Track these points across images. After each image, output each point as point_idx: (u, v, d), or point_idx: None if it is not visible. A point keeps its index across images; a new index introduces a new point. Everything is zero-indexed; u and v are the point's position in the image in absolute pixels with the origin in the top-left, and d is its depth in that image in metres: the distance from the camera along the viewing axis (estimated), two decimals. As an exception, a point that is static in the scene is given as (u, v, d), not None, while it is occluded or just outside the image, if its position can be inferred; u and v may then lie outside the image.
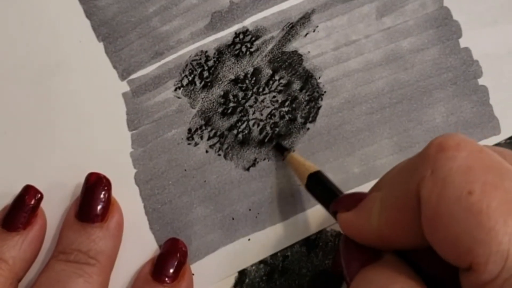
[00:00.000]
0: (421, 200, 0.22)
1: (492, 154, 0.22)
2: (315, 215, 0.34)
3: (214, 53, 0.34)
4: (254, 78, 0.34)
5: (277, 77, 0.34)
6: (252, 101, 0.34)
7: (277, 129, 0.34)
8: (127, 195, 0.33)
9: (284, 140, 0.34)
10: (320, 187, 0.30)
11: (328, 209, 0.29)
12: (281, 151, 0.34)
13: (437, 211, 0.21)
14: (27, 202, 0.31)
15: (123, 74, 0.34)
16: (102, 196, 0.31)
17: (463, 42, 0.35)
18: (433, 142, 0.22)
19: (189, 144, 0.34)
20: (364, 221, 0.25)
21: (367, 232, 0.25)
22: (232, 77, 0.34)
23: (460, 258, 0.21)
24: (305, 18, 0.35)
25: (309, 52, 0.35)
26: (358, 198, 0.26)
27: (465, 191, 0.21)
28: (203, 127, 0.34)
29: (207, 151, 0.34)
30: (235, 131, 0.34)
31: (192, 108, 0.34)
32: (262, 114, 0.34)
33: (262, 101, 0.34)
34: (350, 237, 0.26)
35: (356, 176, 0.34)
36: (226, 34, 0.34)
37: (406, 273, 0.23)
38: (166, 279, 0.31)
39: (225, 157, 0.34)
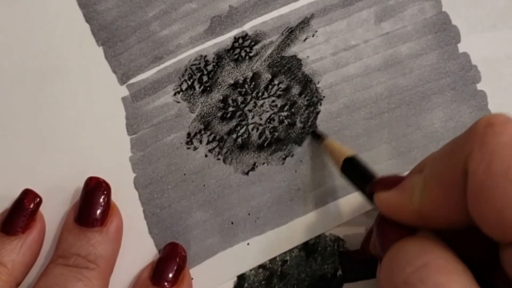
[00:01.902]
0: (468, 173, 0.22)
1: None
2: (314, 219, 0.34)
3: (214, 58, 0.34)
4: (253, 83, 0.34)
5: (276, 82, 0.34)
6: (251, 105, 0.34)
7: (276, 134, 0.34)
8: (126, 200, 0.33)
9: (283, 145, 0.34)
10: (356, 170, 0.30)
11: (363, 191, 0.29)
12: (317, 138, 0.34)
13: (484, 184, 0.21)
14: (26, 206, 0.31)
15: (123, 79, 0.34)
16: (101, 200, 0.31)
17: (461, 47, 0.35)
18: (481, 119, 0.23)
19: (188, 148, 0.34)
20: (405, 200, 0.25)
21: (407, 210, 0.25)
22: (232, 81, 0.34)
23: (504, 232, 0.21)
24: (304, 23, 0.35)
25: (308, 56, 0.35)
26: (397, 179, 0.26)
27: None
28: (202, 132, 0.34)
29: (206, 156, 0.34)
30: (234, 136, 0.34)
31: (192, 112, 0.34)
32: (261, 119, 0.34)
33: (261, 105, 0.34)
34: (388, 216, 0.26)
35: (355, 181, 0.34)
36: (225, 38, 0.34)
37: (441, 246, 0.24)
38: (166, 283, 0.31)
39: (224, 161, 0.34)
